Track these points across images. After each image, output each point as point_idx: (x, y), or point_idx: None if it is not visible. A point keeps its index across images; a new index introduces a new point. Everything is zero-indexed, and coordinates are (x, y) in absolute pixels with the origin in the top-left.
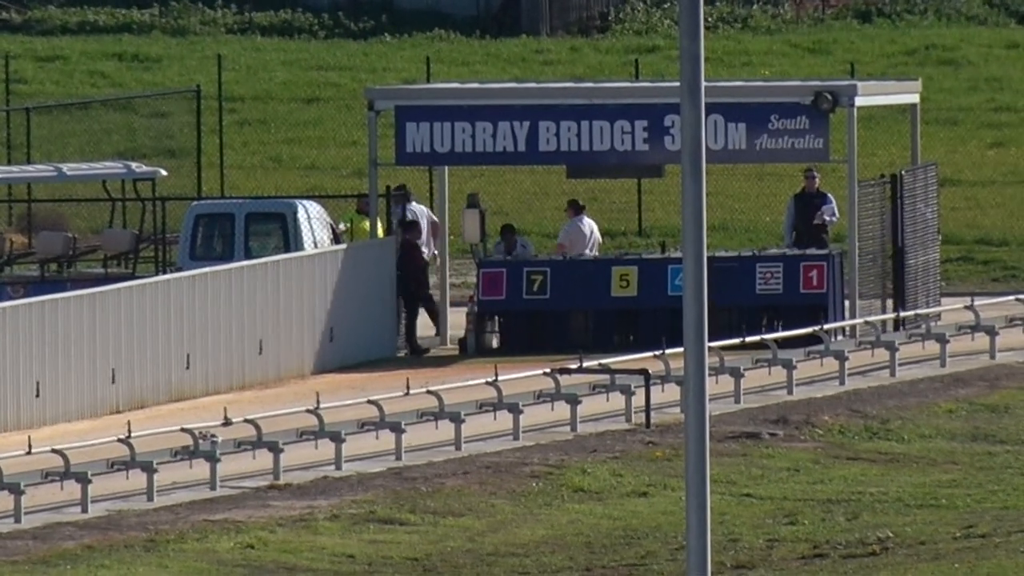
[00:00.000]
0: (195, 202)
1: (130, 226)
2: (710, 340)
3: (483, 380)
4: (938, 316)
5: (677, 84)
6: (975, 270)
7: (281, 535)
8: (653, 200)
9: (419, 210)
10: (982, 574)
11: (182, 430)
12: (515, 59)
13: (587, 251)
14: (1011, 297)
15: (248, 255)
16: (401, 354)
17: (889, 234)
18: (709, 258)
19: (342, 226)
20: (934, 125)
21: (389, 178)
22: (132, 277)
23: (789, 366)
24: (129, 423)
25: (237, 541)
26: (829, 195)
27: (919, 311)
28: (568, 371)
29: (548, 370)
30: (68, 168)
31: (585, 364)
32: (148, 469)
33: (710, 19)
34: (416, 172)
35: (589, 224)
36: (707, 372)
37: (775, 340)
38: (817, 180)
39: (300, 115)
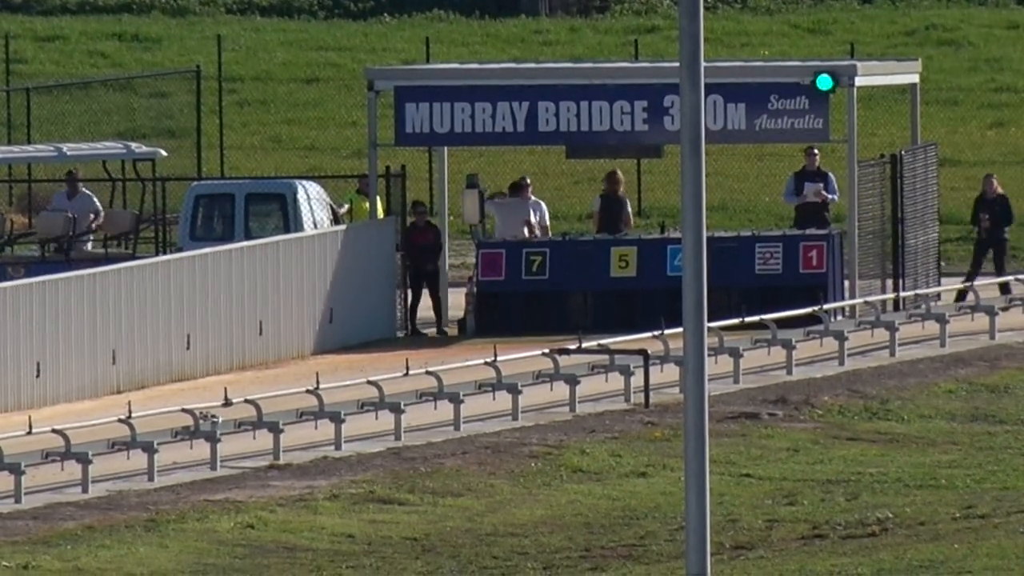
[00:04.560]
0: (195, 182)
1: (130, 206)
2: (709, 320)
3: (482, 361)
4: (938, 296)
5: (677, 64)
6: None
7: (281, 515)
8: (652, 180)
9: (86, 196)
10: (982, 554)
11: (182, 410)
12: (514, 40)
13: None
14: (1011, 277)
15: (248, 236)
16: (400, 334)
17: (889, 214)
18: (708, 238)
19: (344, 207)
20: (934, 105)
21: (389, 158)
22: (132, 257)
23: (788, 346)
24: (130, 403)
25: (237, 521)
26: (830, 174)
27: (919, 291)
28: (567, 351)
29: (547, 351)
30: (68, 148)
31: (584, 344)
32: (149, 449)
33: None
34: (416, 152)
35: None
36: (706, 352)
37: (774, 320)
38: (817, 158)
39: (300, 95)
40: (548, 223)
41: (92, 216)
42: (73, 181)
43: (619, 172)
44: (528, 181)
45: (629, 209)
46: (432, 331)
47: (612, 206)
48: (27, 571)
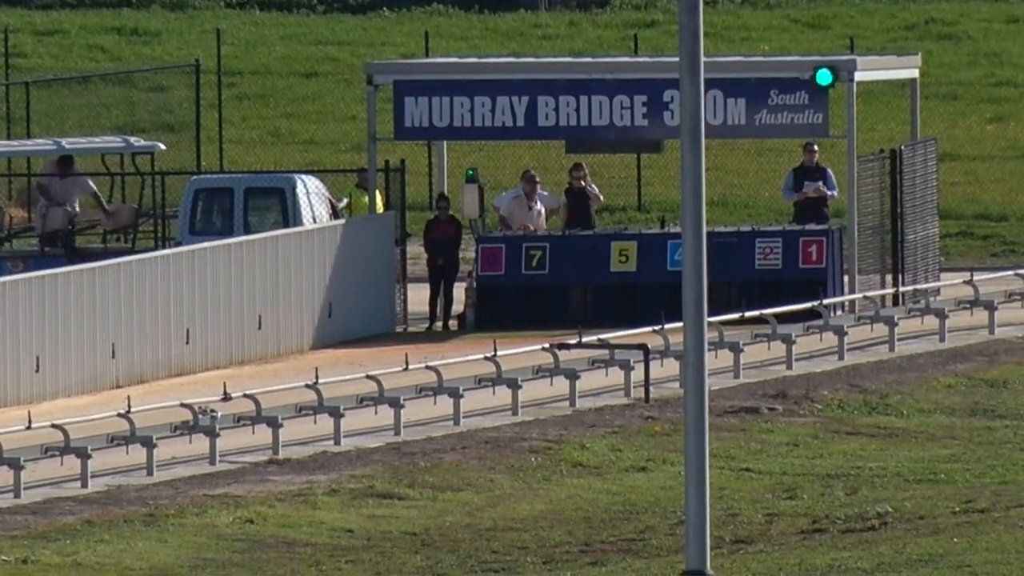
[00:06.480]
0: (194, 177)
1: (129, 201)
2: (709, 315)
3: (482, 355)
4: (937, 291)
5: (676, 59)
6: (974, 245)
7: (280, 510)
8: (652, 175)
9: (79, 179)
10: (981, 549)
11: (182, 405)
12: (513, 34)
13: None
14: (1010, 272)
15: (247, 230)
16: (400, 329)
17: (888, 209)
18: (708, 233)
19: (343, 201)
20: (934, 100)
21: (388, 153)
22: (131, 252)
23: (788, 341)
24: (129, 398)
25: (236, 516)
26: (828, 169)
27: (918, 286)
28: (567, 346)
29: (547, 345)
30: (67, 142)
31: (584, 339)
32: (148, 444)
33: None
34: (415, 147)
35: None
36: (706, 347)
37: (774, 315)
38: (817, 154)
39: (299, 90)
40: (553, 208)
41: (92, 198)
42: (67, 164)
43: (584, 164)
44: (536, 178)
45: (592, 193)
46: (438, 325)
47: (579, 200)
48: (26, 566)
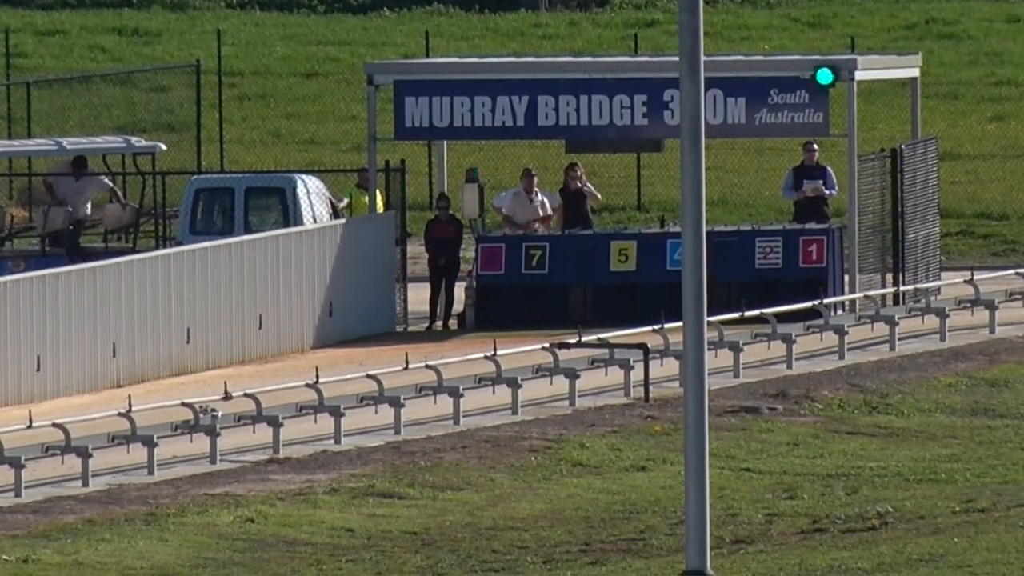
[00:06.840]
0: (195, 176)
1: (130, 200)
2: (709, 314)
3: (482, 355)
4: (938, 290)
5: (676, 58)
6: (975, 244)
7: (281, 509)
8: (652, 175)
9: (94, 179)
10: (982, 548)
11: (182, 404)
12: (514, 33)
13: None
14: (1011, 271)
15: (248, 229)
16: (400, 328)
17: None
18: (708, 233)
19: (344, 201)
20: (934, 99)
21: (388, 153)
22: (132, 251)
23: (789, 340)
24: (130, 397)
25: (237, 515)
26: (828, 168)
27: (919, 285)
28: (567, 345)
29: (547, 345)
30: (68, 142)
31: (584, 339)
32: (148, 443)
33: None
34: (415, 146)
35: None
36: (706, 346)
37: (774, 314)
38: (816, 153)
39: (299, 90)
40: (553, 207)
41: (109, 194)
42: (81, 164)
43: (579, 164)
44: (534, 172)
45: (589, 192)
46: (438, 324)
47: (575, 200)
48: (27, 565)
